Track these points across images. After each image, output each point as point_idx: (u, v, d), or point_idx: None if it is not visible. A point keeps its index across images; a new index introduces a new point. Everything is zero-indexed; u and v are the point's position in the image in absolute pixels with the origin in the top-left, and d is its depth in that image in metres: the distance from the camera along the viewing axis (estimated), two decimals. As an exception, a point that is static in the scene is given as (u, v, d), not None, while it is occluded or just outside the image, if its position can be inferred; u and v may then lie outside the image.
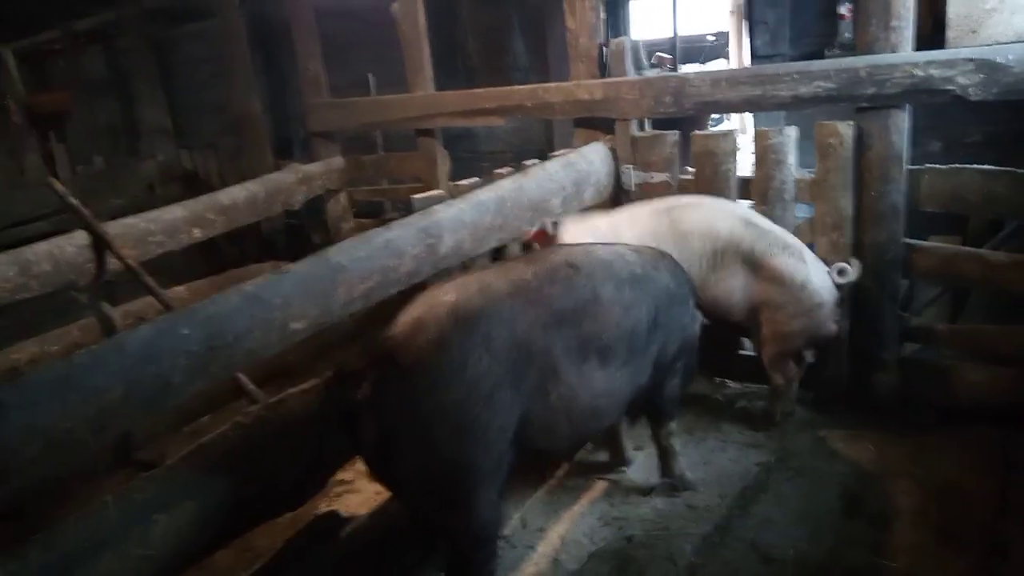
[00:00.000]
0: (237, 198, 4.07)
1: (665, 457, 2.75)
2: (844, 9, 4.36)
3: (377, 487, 3.05)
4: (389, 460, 1.93)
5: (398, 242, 2.54)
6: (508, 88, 3.91)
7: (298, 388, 2.20)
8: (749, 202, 3.24)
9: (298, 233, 5.18)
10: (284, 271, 2.21)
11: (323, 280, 2.28)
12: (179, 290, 3.96)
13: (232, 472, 1.98)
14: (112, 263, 3.30)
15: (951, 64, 2.74)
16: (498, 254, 3.29)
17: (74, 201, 3.21)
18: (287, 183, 4.42)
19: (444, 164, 4.42)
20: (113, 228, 3.40)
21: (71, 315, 3.73)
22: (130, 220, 3.59)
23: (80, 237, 3.26)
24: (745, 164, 3.39)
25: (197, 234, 3.81)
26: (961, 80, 2.74)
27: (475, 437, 1.93)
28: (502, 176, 3.37)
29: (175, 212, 3.77)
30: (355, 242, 2.44)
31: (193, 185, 5.72)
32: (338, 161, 4.77)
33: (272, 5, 5.97)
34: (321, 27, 4.73)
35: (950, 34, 3.02)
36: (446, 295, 2.00)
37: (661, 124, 3.65)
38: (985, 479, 2.63)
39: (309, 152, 5.09)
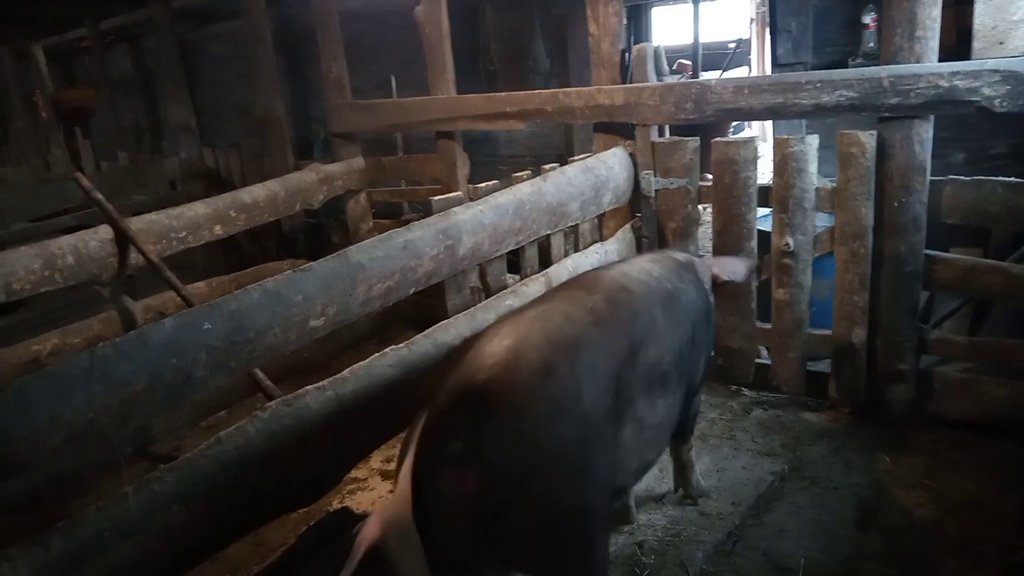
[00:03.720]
0: (258, 196, 4.11)
1: (683, 470, 2.74)
2: (868, 19, 4.33)
3: (390, 485, 3.08)
4: (495, 519, 1.63)
5: (417, 243, 2.56)
6: (529, 92, 3.93)
7: (315, 385, 2.22)
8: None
9: (318, 233, 5.22)
10: (305, 269, 2.23)
11: (343, 279, 2.30)
12: (200, 286, 4.01)
13: (249, 466, 2.00)
14: (135, 258, 3.34)
15: (976, 75, 2.73)
16: (515, 257, 3.31)
17: (99, 196, 3.25)
18: (308, 183, 4.46)
19: (464, 167, 4.44)
20: (136, 223, 3.44)
21: (93, 308, 3.79)
22: (153, 216, 3.64)
23: (104, 232, 3.30)
24: (765, 172, 3.38)
25: (219, 231, 3.85)
26: (987, 91, 2.72)
27: (594, 476, 1.77)
28: (521, 180, 3.39)
29: (197, 209, 3.81)
30: (375, 242, 2.45)
31: (215, 183, 5.78)
32: (358, 162, 4.80)
33: (297, 7, 6.04)
34: (345, 30, 4.78)
35: (976, 45, 3.02)
36: (530, 324, 1.84)
37: (682, 131, 3.65)
38: (1004, 495, 2.60)
39: (330, 153, 5.13)
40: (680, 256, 2.56)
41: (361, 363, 2.35)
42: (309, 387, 2.20)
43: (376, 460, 3.23)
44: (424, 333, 2.58)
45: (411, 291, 2.58)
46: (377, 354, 2.41)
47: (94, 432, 1.79)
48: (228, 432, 2.03)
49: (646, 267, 2.32)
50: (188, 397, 2.02)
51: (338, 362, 3.32)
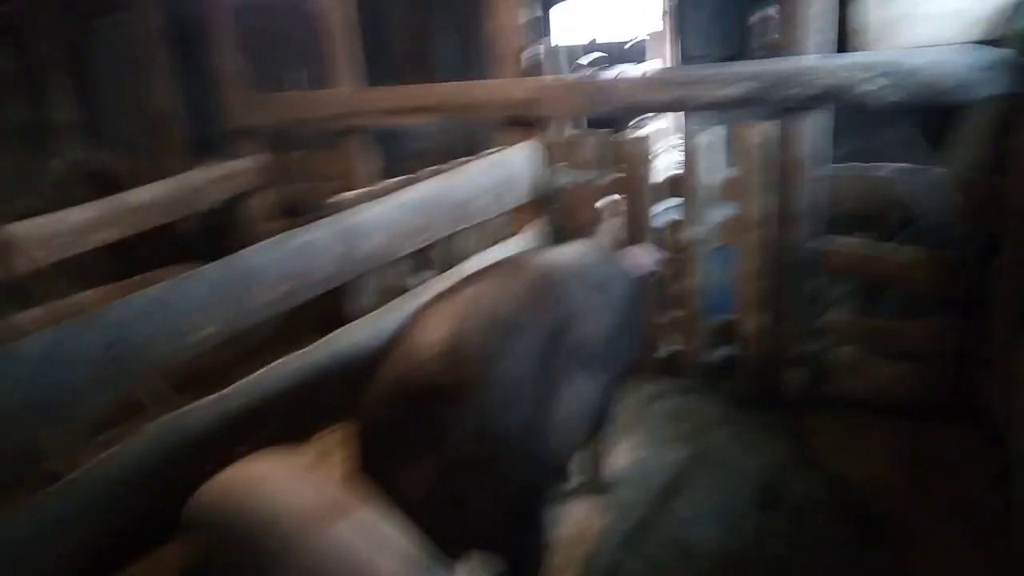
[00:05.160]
0: (149, 198, 3.91)
1: (598, 459, 2.76)
2: (772, 11, 4.46)
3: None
4: (455, 503, 1.71)
5: (316, 244, 2.46)
6: (435, 86, 3.87)
7: (206, 399, 2.10)
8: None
9: (217, 234, 4.99)
10: (193, 274, 2.12)
11: (235, 284, 2.19)
12: (88, 295, 3.77)
13: (135, 484, 1.89)
14: (16, 265, 3.12)
15: (865, 68, 2.85)
16: (422, 255, 3.24)
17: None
18: (203, 182, 4.27)
19: (369, 164, 4.34)
20: (19, 229, 3.22)
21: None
22: (36, 221, 3.42)
23: (-21, 239, 3.07)
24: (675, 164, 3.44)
25: (106, 235, 3.64)
26: (875, 83, 2.84)
27: (539, 456, 1.85)
28: (426, 176, 3.33)
29: (84, 213, 3.60)
30: (268, 244, 2.34)
31: (105, 186, 5.45)
32: (258, 159, 4.62)
33: (190, -2, 5.76)
34: (245, 22, 4.58)
35: (864, 39, 3.14)
36: (464, 308, 1.83)
37: (595, 124, 3.67)
38: (895, 470, 2.73)
39: (229, 154, 4.92)
40: (607, 246, 2.61)
41: (249, 376, 2.24)
42: (197, 401, 2.09)
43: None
44: (323, 339, 2.50)
45: (310, 295, 2.48)
46: (272, 364, 2.31)
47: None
48: (112, 451, 1.91)
49: (574, 254, 2.36)
50: (68, 416, 1.89)
51: (241, 369, 3.19)
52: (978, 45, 2.79)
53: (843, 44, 3.23)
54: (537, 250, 2.46)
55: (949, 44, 2.87)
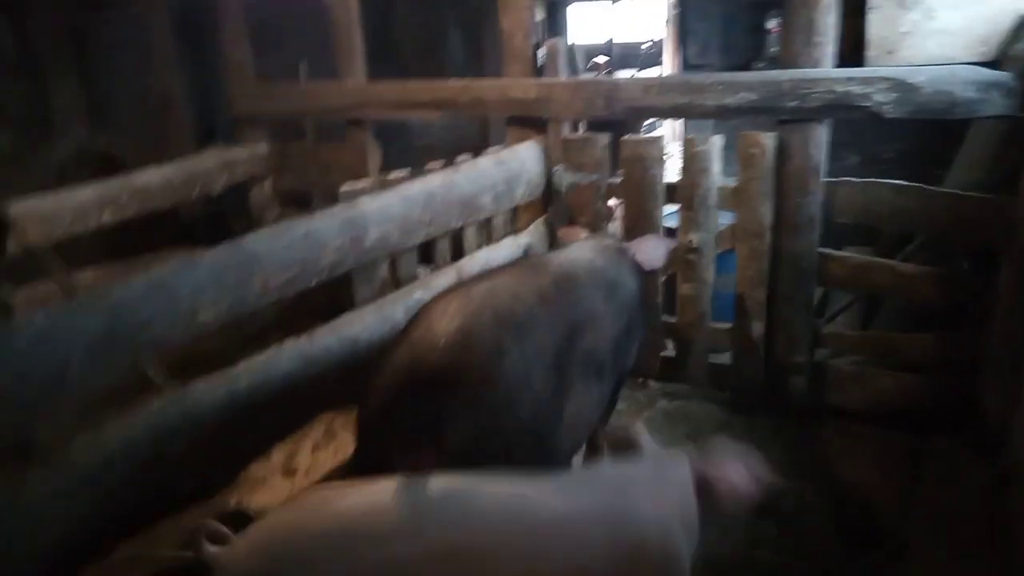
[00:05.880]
0: (152, 180, 3.90)
1: (595, 455, 2.76)
2: (773, 24, 4.49)
3: (291, 483, 2.97)
4: None
5: (321, 233, 2.46)
6: (442, 82, 3.87)
7: (206, 379, 2.11)
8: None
9: (219, 221, 4.98)
10: (195, 259, 2.12)
11: (237, 270, 2.19)
12: (87, 276, 3.76)
13: (133, 461, 1.89)
14: (14, 244, 3.11)
15: (869, 82, 2.85)
16: (427, 249, 3.24)
17: (-28, 177, 3.01)
18: (207, 167, 4.26)
19: (375, 156, 4.34)
20: (19, 207, 3.20)
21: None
22: (36, 200, 3.39)
23: (-19, 216, 3.06)
24: (675, 171, 3.45)
25: (108, 217, 3.63)
26: (877, 97, 2.85)
27: (546, 450, 1.85)
28: (432, 171, 3.33)
29: (85, 193, 3.59)
30: (273, 231, 2.35)
31: (109, 170, 5.44)
32: (263, 147, 4.62)
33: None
34: (253, 13, 4.58)
35: (869, 53, 3.15)
36: (480, 302, 1.81)
37: (597, 127, 3.68)
38: (890, 481, 2.74)
39: (234, 141, 4.91)
40: (618, 244, 2.58)
41: (257, 357, 2.25)
42: (199, 381, 2.09)
43: (279, 455, 3.11)
44: (328, 325, 2.50)
45: (313, 282, 2.48)
46: (275, 347, 2.32)
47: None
48: (111, 426, 1.91)
49: (589, 255, 2.33)
50: (65, 395, 1.89)
51: (241, 354, 3.19)
52: (980, 66, 2.80)
53: (851, 57, 3.24)
54: (557, 251, 2.43)
55: (953, 63, 2.88)
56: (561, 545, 1.51)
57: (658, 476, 1.70)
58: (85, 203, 3.53)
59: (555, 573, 1.52)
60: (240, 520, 2.31)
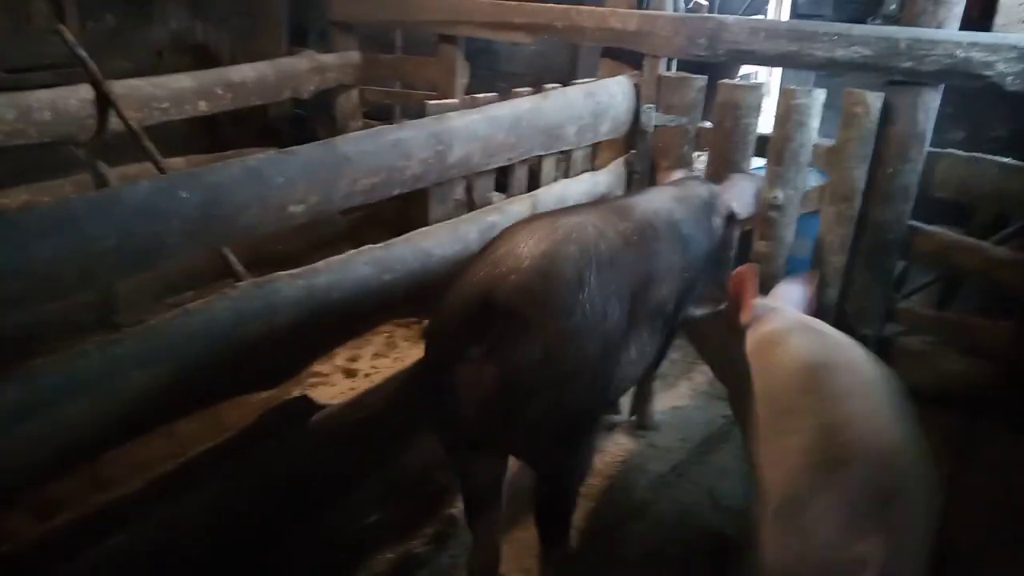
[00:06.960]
0: (247, 76, 3.97)
1: (643, 400, 2.80)
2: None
3: (351, 383, 3.10)
4: (509, 413, 1.72)
5: (408, 143, 2.49)
6: (540, 4, 3.79)
7: (288, 272, 2.19)
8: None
9: (304, 125, 5.06)
10: (290, 151, 2.17)
11: (328, 168, 2.24)
12: (177, 161, 3.88)
13: (212, 342, 1.98)
14: (114, 123, 3.23)
15: (995, 49, 2.68)
16: (505, 175, 3.24)
17: (83, 53, 3.11)
18: (299, 70, 4.31)
19: (463, 75, 4.32)
20: (119, 88, 3.30)
21: (66, 171, 3.67)
22: (136, 82, 3.50)
23: (84, 91, 3.17)
24: (765, 124, 3.33)
25: (203, 107, 3.72)
26: (1001, 67, 2.68)
27: (603, 386, 1.90)
28: (520, 95, 3.30)
29: (183, 81, 3.67)
30: (364, 136, 2.39)
31: (203, 59, 5.54)
32: (354, 56, 4.63)
33: None
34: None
35: (999, 20, 2.96)
36: (566, 233, 1.82)
37: (689, 68, 3.57)
38: (937, 462, 2.69)
39: (326, 45, 4.94)
40: (705, 192, 2.52)
41: (337, 256, 2.32)
42: (281, 273, 2.17)
43: (340, 357, 3.24)
44: (404, 236, 2.55)
45: (396, 191, 2.53)
46: (354, 251, 2.38)
47: (60, 286, 1.76)
48: (195, 306, 2.00)
49: (671, 205, 2.32)
50: (157, 264, 1.99)
51: (312, 257, 3.28)
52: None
53: (978, 23, 3.05)
54: (641, 196, 2.40)
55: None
56: None
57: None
58: (183, 91, 3.62)
59: None
60: (304, 408, 2.45)
